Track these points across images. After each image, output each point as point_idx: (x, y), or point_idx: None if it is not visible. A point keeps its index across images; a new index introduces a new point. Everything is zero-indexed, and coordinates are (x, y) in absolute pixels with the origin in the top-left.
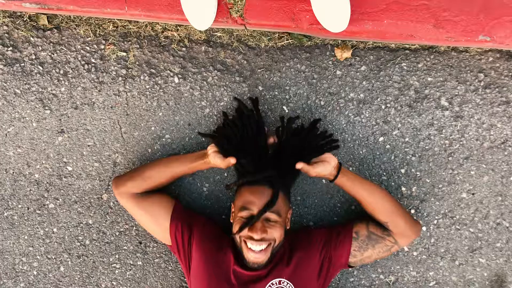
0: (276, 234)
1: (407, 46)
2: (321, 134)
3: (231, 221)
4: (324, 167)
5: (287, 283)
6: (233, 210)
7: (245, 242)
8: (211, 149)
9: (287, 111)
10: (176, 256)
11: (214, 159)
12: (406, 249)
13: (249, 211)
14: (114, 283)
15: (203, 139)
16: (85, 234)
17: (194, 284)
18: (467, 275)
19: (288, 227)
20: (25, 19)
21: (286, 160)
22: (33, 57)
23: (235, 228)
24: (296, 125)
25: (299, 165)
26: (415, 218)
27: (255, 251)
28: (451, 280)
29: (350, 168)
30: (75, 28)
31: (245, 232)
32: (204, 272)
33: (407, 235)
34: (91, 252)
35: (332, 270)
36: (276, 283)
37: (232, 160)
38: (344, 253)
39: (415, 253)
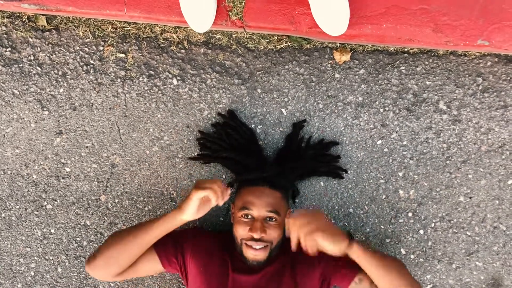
0: (274, 234)
1: (406, 49)
2: (330, 156)
3: (231, 221)
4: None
5: None
6: (232, 211)
7: (245, 243)
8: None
9: (285, 113)
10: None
11: (195, 194)
12: (403, 252)
13: (249, 211)
14: (112, 284)
15: (202, 141)
16: (83, 235)
17: None
18: (464, 278)
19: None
20: (24, 20)
21: (287, 162)
22: (32, 58)
23: (236, 229)
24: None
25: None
26: None
27: (255, 248)
28: (448, 283)
29: (349, 171)
30: (74, 29)
31: (246, 232)
32: (201, 284)
33: None
34: (89, 253)
35: None
36: None
37: (212, 196)
38: (344, 283)
39: (412, 256)
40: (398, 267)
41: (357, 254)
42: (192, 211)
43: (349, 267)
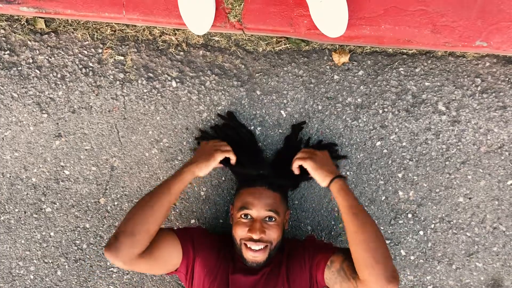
0: (274, 235)
1: (405, 51)
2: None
3: (230, 222)
4: (316, 177)
5: None
6: (231, 212)
7: (245, 244)
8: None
9: (284, 115)
10: (176, 275)
11: (221, 155)
12: (403, 253)
13: (248, 210)
14: (112, 287)
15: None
16: (82, 238)
17: None
18: (464, 279)
19: (286, 228)
20: (22, 23)
21: (285, 163)
22: (31, 60)
23: (235, 229)
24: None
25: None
26: (397, 276)
27: (254, 250)
28: (448, 284)
29: (348, 173)
30: (72, 32)
31: (245, 233)
32: (205, 285)
33: (370, 286)
34: (88, 256)
35: None
36: None
37: (233, 157)
38: (320, 275)
39: (412, 257)
40: (373, 228)
41: (334, 190)
42: (210, 169)
43: (322, 252)
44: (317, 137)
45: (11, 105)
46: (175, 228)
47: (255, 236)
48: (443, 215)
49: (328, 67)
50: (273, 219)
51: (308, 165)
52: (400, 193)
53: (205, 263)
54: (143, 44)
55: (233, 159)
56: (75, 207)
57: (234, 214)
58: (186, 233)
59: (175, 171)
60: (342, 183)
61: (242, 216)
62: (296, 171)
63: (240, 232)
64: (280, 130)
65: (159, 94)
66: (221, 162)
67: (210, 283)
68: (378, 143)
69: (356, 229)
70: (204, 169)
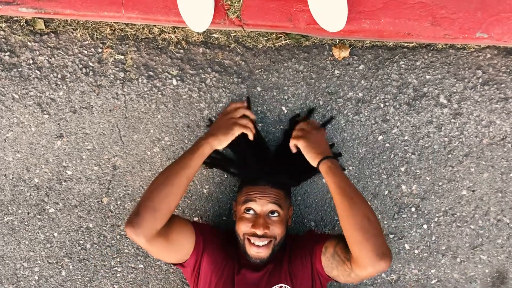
0: (277, 230)
1: (405, 44)
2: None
3: (234, 219)
4: (307, 157)
5: None
6: (234, 209)
7: (248, 239)
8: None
9: (285, 111)
10: (179, 268)
11: (239, 130)
12: (407, 247)
13: (252, 203)
14: (116, 286)
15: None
16: (86, 238)
17: None
18: (469, 272)
19: (289, 224)
20: (22, 24)
21: (287, 159)
22: (31, 61)
23: (239, 225)
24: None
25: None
26: (388, 252)
27: (258, 245)
28: (453, 278)
29: (351, 168)
30: (72, 32)
31: (248, 228)
32: (212, 281)
33: (362, 265)
34: (92, 256)
35: (323, 281)
36: None
37: (250, 133)
38: (319, 264)
39: (416, 251)
40: (363, 205)
41: (323, 171)
42: (228, 142)
43: (318, 242)
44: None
45: (12, 107)
46: None
47: (259, 232)
48: (447, 208)
49: (328, 62)
50: (277, 214)
51: (301, 145)
52: (403, 187)
53: (213, 259)
54: (143, 43)
55: (250, 135)
56: (78, 207)
57: (238, 210)
58: (198, 226)
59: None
60: (331, 163)
61: (246, 211)
62: (293, 149)
63: (243, 228)
64: (281, 126)
65: (159, 93)
66: (235, 141)
67: (217, 279)
68: (380, 137)
69: (345, 207)
70: (223, 142)
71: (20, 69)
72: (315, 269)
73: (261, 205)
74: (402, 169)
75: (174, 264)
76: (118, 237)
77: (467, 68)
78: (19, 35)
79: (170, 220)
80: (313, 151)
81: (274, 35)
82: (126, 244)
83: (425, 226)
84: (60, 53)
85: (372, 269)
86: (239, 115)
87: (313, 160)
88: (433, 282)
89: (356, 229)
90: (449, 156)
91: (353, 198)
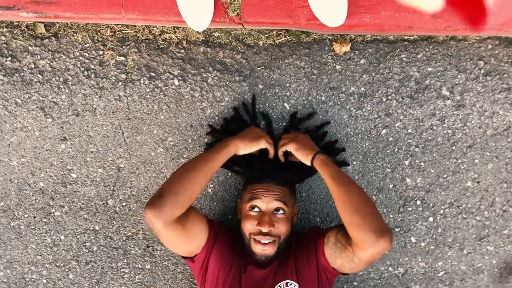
0: (282, 228)
1: (406, 37)
2: (326, 140)
3: (239, 217)
4: (299, 157)
5: (294, 284)
6: (240, 206)
7: (254, 237)
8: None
9: (288, 108)
10: (188, 263)
11: (265, 143)
12: (413, 240)
13: (257, 200)
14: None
15: (206, 139)
16: (92, 240)
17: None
18: (476, 264)
19: (295, 221)
20: (22, 29)
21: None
22: (32, 66)
23: (244, 223)
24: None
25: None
26: (387, 230)
27: (263, 243)
28: (460, 269)
29: (355, 162)
30: (72, 35)
31: (254, 226)
32: (219, 278)
33: (363, 247)
34: (99, 258)
35: (329, 276)
36: (283, 285)
37: (272, 151)
38: (323, 257)
39: (422, 244)
40: (357, 190)
41: (317, 165)
42: (251, 150)
43: (321, 235)
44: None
45: (15, 111)
46: None
47: (264, 229)
48: (452, 200)
49: (329, 57)
50: (282, 212)
51: (291, 148)
52: (408, 180)
53: (221, 255)
54: (144, 44)
55: (271, 152)
56: (84, 209)
57: (243, 208)
58: (209, 220)
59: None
60: (323, 157)
61: (251, 208)
62: (282, 158)
63: (249, 226)
64: (284, 123)
65: (162, 93)
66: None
67: (224, 276)
68: (384, 131)
69: (341, 193)
70: (248, 147)
71: (22, 73)
72: (320, 264)
73: (266, 202)
74: (406, 162)
75: (184, 258)
76: (124, 238)
77: (468, 59)
78: (20, 40)
79: (187, 210)
80: (304, 150)
81: (275, 32)
82: (132, 245)
83: (430, 219)
84: (62, 57)
85: (372, 249)
86: (266, 137)
87: (305, 159)
88: (440, 274)
89: (353, 212)
90: (453, 148)
91: (347, 184)
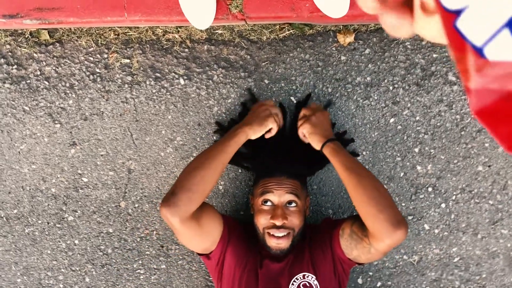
0: (295, 221)
1: None
2: (334, 132)
3: (251, 212)
4: (311, 141)
5: (311, 276)
6: (252, 202)
7: (268, 231)
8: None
9: (295, 101)
10: (204, 260)
11: (272, 123)
12: (427, 227)
13: (269, 194)
14: None
15: (214, 137)
16: (107, 243)
17: (226, 284)
18: (491, 248)
19: (307, 214)
20: (26, 36)
21: (299, 148)
22: (38, 73)
23: (257, 218)
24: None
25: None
26: (403, 220)
27: (277, 236)
28: (475, 254)
29: (364, 153)
30: (76, 40)
31: (267, 221)
32: (235, 274)
33: (379, 237)
34: (114, 261)
35: (345, 266)
36: (300, 277)
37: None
38: (338, 248)
39: (436, 231)
40: (371, 180)
41: (327, 153)
42: (262, 133)
43: (335, 227)
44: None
45: (23, 119)
46: None
47: (278, 222)
48: (464, 185)
49: (334, 48)
50: (294, 204)
51: (306, 131)
52: (418, 167)
53: (236, 251)
54: (148, 45)
55: (273, 131)
56: (97, 213)
57: (255, 203)
58: (224, 216)
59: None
60: (334, 145)
61: (263, 203)
62: (304, 139)
63: (262, 221)
64: (291, 117)
65: (168, 93)
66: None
67: (241, 272)
68: (392, 120)
69: (354, 183)
70: (257, 132)
71: (29, 81)
72: (335, 255)
73: (278, 195)
74: (416, 150)
75: (200, 255)
76: (138, 239)
77: None
78: (25, 48)
79: (201, 205)
80: (316, 134)
81: (278, 26)
82: (147, 246)
83: (443, 205)
84: (67, 62)
85: (389, 240)
86: (274, 110)
87: (316, 144)
88: (455, 260)
89: (368, 202)
90: (462, 133)
91: (360, 173)
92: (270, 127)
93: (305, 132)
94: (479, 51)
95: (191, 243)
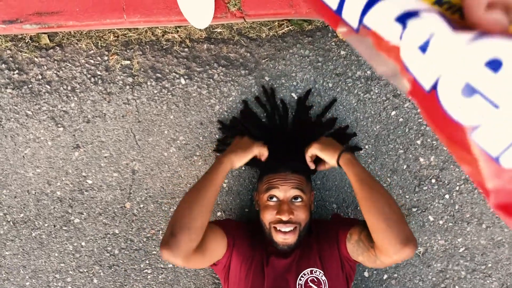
0: (301, 216)
1: None
2: (336, 126)
3: (256, 208)
4: (325, 157)
5: (319, 272)
6: (256, 198)
7: (274, 227)
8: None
9: (296, 98)
10: (211, 268)
11: (257, 149)
12: (431, 219)
13: (275, 190)
14: None
15: (217, 135)
16: (113, 244)
17: (232, 285)
18: (496, 237)
19: (312, 209)
20: (26, 41)
21: (302, 144)
22: (40, 77)
23: (263, 214)
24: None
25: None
26: (412, 238)
27: (284, 231)
28: (480, 244)
29: (367, 146)
30: (76, 43)
31: (273, 216)
32: (241, 274)
33: (386, 252)
34: (121, 261)
35: (352, 264)
36: (308, 273)
37: (265, 153)
38: (344, 251)
39: (441, 222)
40: (384, 194)
41: (343, 164)
42: (246, 160)
43: (343, 227)
44: (331, 115)
45: (27, 123)
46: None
47: (284, 218)
48: (467, 176)
49: (333, 43)
50: (300, 199)
51: (316, 150)
52: (421, 159)
53: (241, 253)
54: (147, 46)
55: (265, 155)
56: (102, 214)
57: (260, 199)
58: (225, 226)
59: (194, 167)
60: (349, 156)
61: (269, 199)
62: (311, 165)
63: (268, 216)
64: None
65: (169, 93)
66: (251, 162)
67: (246, 271)
68: (393, 112)
69: (365, 195)
70: (242, 159)
71: (30, 85)
72: (342, 255)
73: (284, 191)
74: (418, 142)
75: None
76: (144, 239)
77: None
78: (26, 52)
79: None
80: (329, 150)
81: (276, 23)
82: (153, 246)
83: (447, 196)
84: (68, 65)
85: (397, 256)
86: (257, 143)
87: (331, 158)
88: (460, 250)
89: (378, 217)
90: None
91: (373, 187)
92: (255, 153)
93: (316, 151)
94: (495, 160)
95: (199, 267)
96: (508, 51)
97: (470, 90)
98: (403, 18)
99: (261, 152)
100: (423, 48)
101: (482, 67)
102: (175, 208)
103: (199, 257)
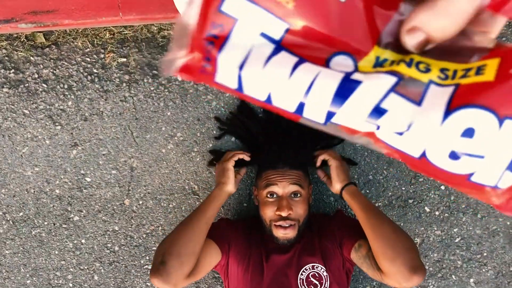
0: (300, 211)
1: None
2: None
3: (256, 203)
4: (334, 176)
5: (321, 267)
6: (255, 193)
7: (274, 224)
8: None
9: None
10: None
11: (230, 163)
12: (427, 209)
13: (274, 186)
14: (149, 284)
15: (214, 132)
16: (113, 241)
17: (232, 283)
18: (491, 227)
19: (310, 202)
20: (22, 40)
21: (299, 139)
22: (36, 76)
23: (263, 211)
24: None
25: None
26: (421, 266)
27: (284, 227)
28: (475, 234)
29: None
30: (72, 41)
31: (273, 213)
32: (239, 271)
33: (394, 280)
34: (121, 258)
35: (353, 263)
36: (309, 268)
37: (246, 157)
38: (348, 256)
39: (437, 213)
40: (390, 223)
41: (348, 193)
42: (232, 180)
43: (351, 234)
44: None
45: (24, 122)
46: None
47: (284, 213)
48: None
49: None
50: (299, 195)
51: (333, 163)
52: None
53: (237, 253)
54: (143, 43)
55: (246, 158)
56: (102, 212)
57: (259, 195)
58: (218, 234)
59: (192, 163)
60: (355, 188)
61: (268, 195)
62: (319, 162)
63: (268, 213)
64: None
65: (166, 90)
66: (238, 166)
67: (244, 269)
68: None
69: (373, 225)
70: (230, 184)
71: (27, 84)
72: (344, 256)
73: (282, 187)
74: None
75: None
76: (144, 236)
77: None
78: (21, 51)
79: None
80: (341, 175)
81: None
82: (153, 242)
83: (442, 187)
84: (64, 64)
85: (405, 284)
86: (226, 158)
87: (338, 183)
88: (456, 240)
89: (387, 245)
90: None
91: (379, 217)
92: (232, 175)
93: (333, 164)
94: (495, 187)
95: (196, 280)
96: (477, 118)
97: (456, 155)
98: (374, 113)
99: (238, 157)
100: (401, 133)
101: (459, 138)
102: (174, 203)
103: (192, 278)
